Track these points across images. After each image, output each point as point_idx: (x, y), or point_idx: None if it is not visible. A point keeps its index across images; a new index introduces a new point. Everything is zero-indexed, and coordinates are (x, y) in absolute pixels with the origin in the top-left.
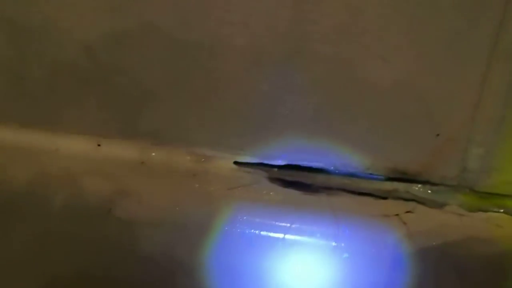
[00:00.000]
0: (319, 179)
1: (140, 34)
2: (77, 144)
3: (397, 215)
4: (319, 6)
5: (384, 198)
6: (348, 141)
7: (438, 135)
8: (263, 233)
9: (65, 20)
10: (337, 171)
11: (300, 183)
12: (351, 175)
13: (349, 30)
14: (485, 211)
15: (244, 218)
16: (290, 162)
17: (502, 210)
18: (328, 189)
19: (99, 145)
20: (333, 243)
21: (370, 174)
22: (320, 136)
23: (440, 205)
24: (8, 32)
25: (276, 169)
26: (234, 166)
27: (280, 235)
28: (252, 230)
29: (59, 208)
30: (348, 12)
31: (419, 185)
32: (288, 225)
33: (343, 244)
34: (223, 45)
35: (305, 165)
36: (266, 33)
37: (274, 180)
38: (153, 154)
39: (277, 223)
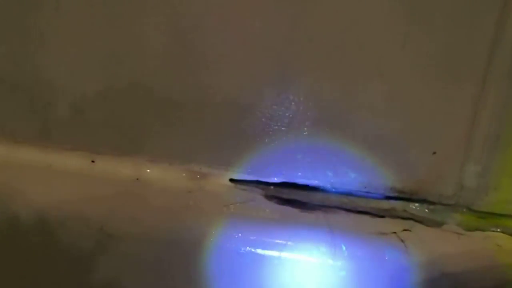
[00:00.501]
0: (316, 197)
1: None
2: (70, 160)
3: (394, 233)
4: (315, 23)
5: (382, 216)
6: (345, 159)
7: (434, 153)
8: (258, 250)
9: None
10: (334, 189)
11: (297, 201)
12: (348, 193)
13: (345, 46)
14: (484, 230)
15: (239, 235)
16: (286, 180)
17: (500, 230)
18: (325, 207)
19: (93, 161)
20: (330, 261)
21: (367, 192)
22: (316, 154)
23: (438, 224)
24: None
25: (272, 187)
26: (230, 183)
27: (276, 253)
28: (248, 248)
29: (50, 224)
30: (344, 29)
31: (417, 204)
32: (284, 242)
33: (340, 263)
34: (219, 61)
35: (301, 183)
36: (262, 50)
37: (270, 197)
38: (148, 170)
39: (273, 240)
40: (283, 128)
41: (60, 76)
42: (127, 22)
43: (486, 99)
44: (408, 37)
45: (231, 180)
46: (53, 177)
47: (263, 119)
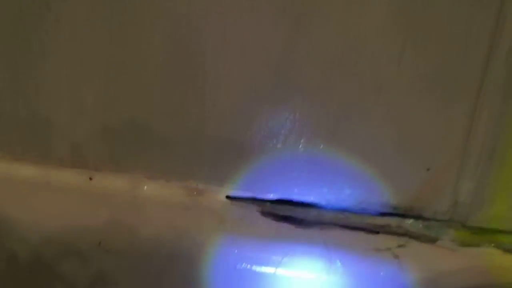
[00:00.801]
0: (312, 213)
1: None
2: (69, 177)
3: (389, 249)
4: (312, 38)
5: (377, 232)
6: (340, 176)
7: (428, 169)
8: (254, 267)
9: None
10: (329, 206)
11: (293, 218)
12: (344, 210)
13: (342, 60)
14: (477, 246)
15: (236, 251)
16: (282, 197)
17: (493, 245)
18: (320, 223)
19: (90, 178)
20: (326, 277)
21: (363, 208)
22: (312, 170)
23: (432, 240)
24: None
25: (268, 203)
26: (227, 200)
27: (272, 269)
28: (244, 264)
29: (48, 240)
30: (341, 43)
31: (411, 220)
32: (280, 259)
33: (335, 279)
34: (218, 76)
35: (297, 200)
36: (259, 67)
37: (266, 214)
38: (146, 187)
39: (269, 257)
40: (279, 145)
41: (60, 91)
42: (127, 37)
43: (480, 116)
44: (403, 55)
45: (228, 196)
46: (52, 193)
47: (259, 136)
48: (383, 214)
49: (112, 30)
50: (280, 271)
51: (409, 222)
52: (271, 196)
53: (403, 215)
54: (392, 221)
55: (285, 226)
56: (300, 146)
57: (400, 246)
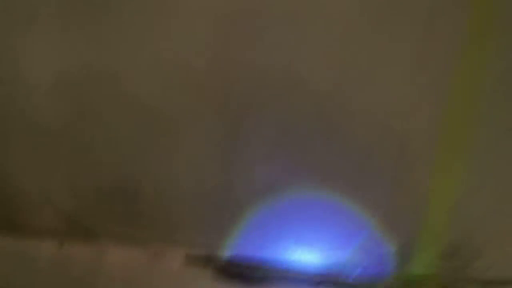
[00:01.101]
0: (261, 271)
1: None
2: (39, 245)
3: None
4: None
5: (319, 285)
6: (287, 236)
7: (362, 233)
8: None
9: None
10: (278, 264)
11: (244, 275)
12: (290, 266)
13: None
14: None
15: None
16: (235, 255)
17: None
18: (269, 280)
19: (61, 244)
20: None
21: (307, 265)
22: (261, 231)
23: None
24: None
25: (221, 262)
26: (184, 260)
27: None
28: None
29: None
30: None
31: (346, 275)
32: None
33: None
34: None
35: (248, 258)
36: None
37: (219, 272)
38: (109, 252)
39: None
40: (230, 209)
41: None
42: None
43: (405, 181)
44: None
45: (186, 256)
46: (25, 261)
47: (213, 202)
48: (325, 268)
49: None
50: None
51: (343, 276)
52: (224, 254)
53: (339, 271)
54: (330, 277)
55: (236, 284)
56: (250, 210)
57: None
